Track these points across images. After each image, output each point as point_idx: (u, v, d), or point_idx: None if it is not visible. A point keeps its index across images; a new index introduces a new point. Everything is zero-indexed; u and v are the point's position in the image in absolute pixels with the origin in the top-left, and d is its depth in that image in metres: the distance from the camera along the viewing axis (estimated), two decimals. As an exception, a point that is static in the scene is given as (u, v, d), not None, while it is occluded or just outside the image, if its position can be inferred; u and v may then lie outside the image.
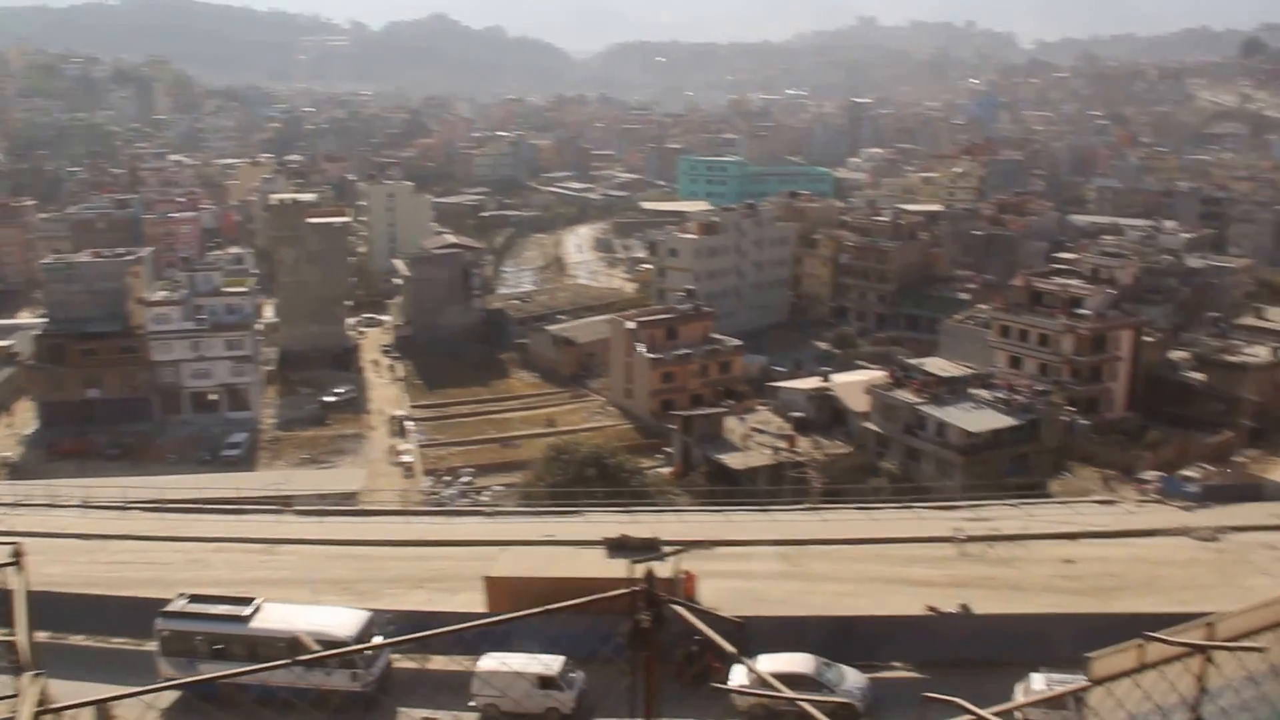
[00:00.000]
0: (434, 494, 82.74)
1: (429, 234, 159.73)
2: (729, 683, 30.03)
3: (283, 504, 59.29)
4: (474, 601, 39.24)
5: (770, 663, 32.99)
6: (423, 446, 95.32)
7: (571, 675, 34.23)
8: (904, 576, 43.82)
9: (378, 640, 33.02)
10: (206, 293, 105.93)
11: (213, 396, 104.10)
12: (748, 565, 45.43)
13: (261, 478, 77.11)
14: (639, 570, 8.23)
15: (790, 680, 32.56)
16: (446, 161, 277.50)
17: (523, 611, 7.19)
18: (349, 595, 41.25)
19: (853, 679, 34.42)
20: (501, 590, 38.68)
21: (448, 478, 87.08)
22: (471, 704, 34.10)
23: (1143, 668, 6.70)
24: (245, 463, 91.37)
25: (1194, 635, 6.67)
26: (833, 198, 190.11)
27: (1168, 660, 6.71)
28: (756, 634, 33.33)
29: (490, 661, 33.82)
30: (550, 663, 33.81)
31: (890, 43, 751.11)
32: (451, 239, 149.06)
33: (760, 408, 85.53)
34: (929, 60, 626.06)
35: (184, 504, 59.69)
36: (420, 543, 50.20)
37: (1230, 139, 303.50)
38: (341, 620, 35.06)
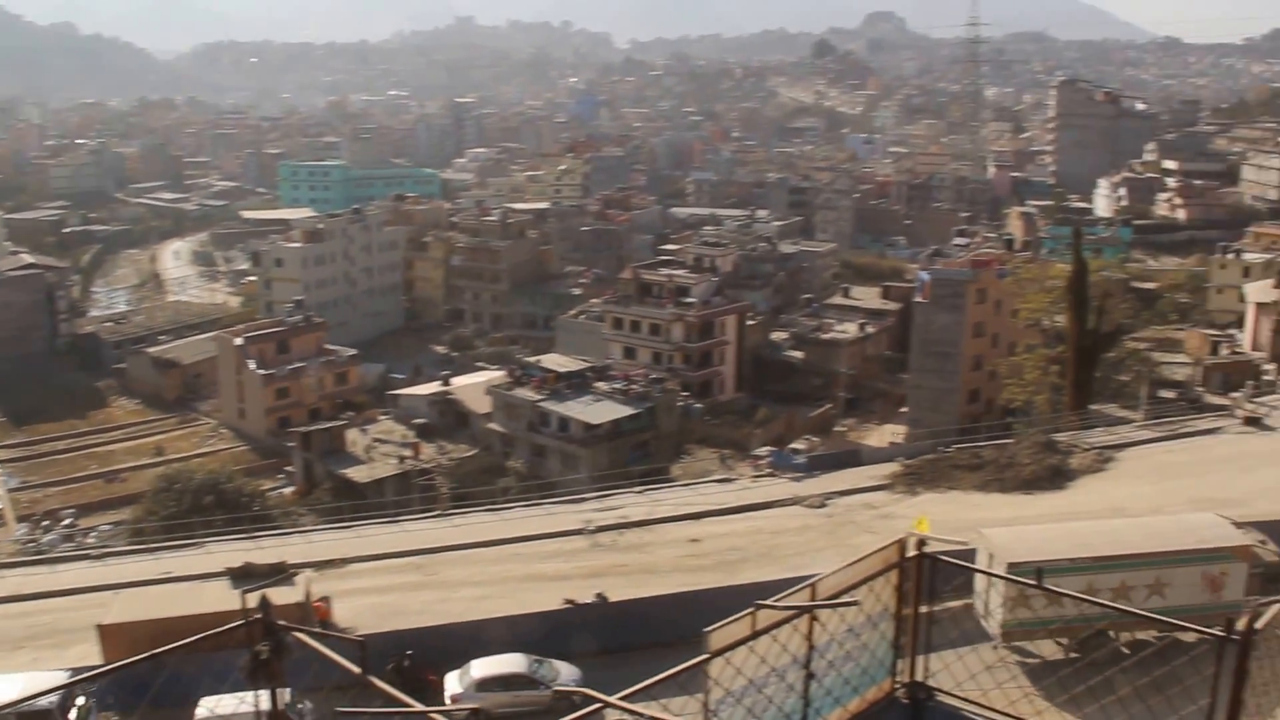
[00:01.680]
0: (30, 542, 75.68)
1: (2, 254, 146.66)
2: (445, 690, 31.07)
3: None
4: (90, 654, 36.25)
5: (484, 666, 32.84)
6: (12, 491, 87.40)
7: (300, 706, 31.88)
8: (540, 573, 44.10)
9: (81, 702, 30.80)
10: None
11: None
12: (383, 580, 44.41)
13: None
14: (255, 599, 7.77)
15: (505, 680, 32.80)
16: (16, 173, 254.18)
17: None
18: (-71, 667, 37.06)
19: (567, 673, 34.30)
20: (118, 638, 35.96)
21: (46, 522, 79.88)
22: None
23: (757, 634, 6.83)
24: None
25: (799, 598, 6.87)
26: (441, 199, 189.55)
27: (779, 624, 6.87)
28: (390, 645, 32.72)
29: (208, 706, 31.06)
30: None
31: (490, 42, 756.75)
32: (29, 259, 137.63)
33: (382, 417, 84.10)
34: (529, 60, 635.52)
35: None
36: (18, 598, 45.74)
37: (810, 133, 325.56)
38: (38, 686, 31.14)
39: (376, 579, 44.47)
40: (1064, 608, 30.41)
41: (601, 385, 79.96)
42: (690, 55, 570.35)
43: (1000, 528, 36.35)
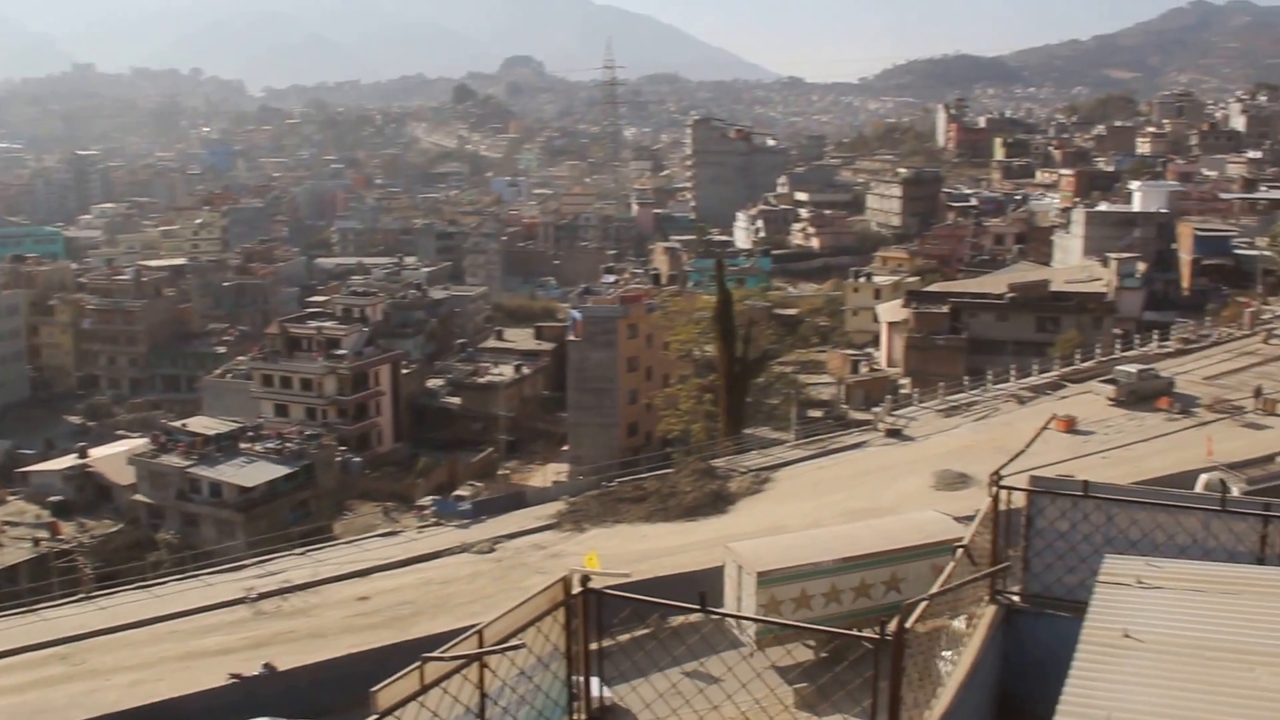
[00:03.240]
0: None
1: None
2: None
3: None
4: None
5: None
6: None
7: None
8: (200, 650, 41.92)
9: None
10: None
11: None
12: (22, 676, 40.96)
13: None
14: None
15: None
16: None
17: None
18: None
19: None
20: None
21: None
22: None
23: (425, 689, 6.60)
24: None
25: (467, 645, 6.71)
26: (66, 259, 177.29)
27: (448, 675, 6.69)
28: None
29: None
30: None
31: (112, 90, 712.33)
32: None
33: (11, 498, 77.62)
34: (156, 109, 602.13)
35: None
36: None
37: (454, 177, 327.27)
38: None
39: (14, 676, 41.01)
40: (811, 611, 32.11)
41: (254, 446, 76.95)
42: (328, 102, 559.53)
43: (746, 540, 38.44)
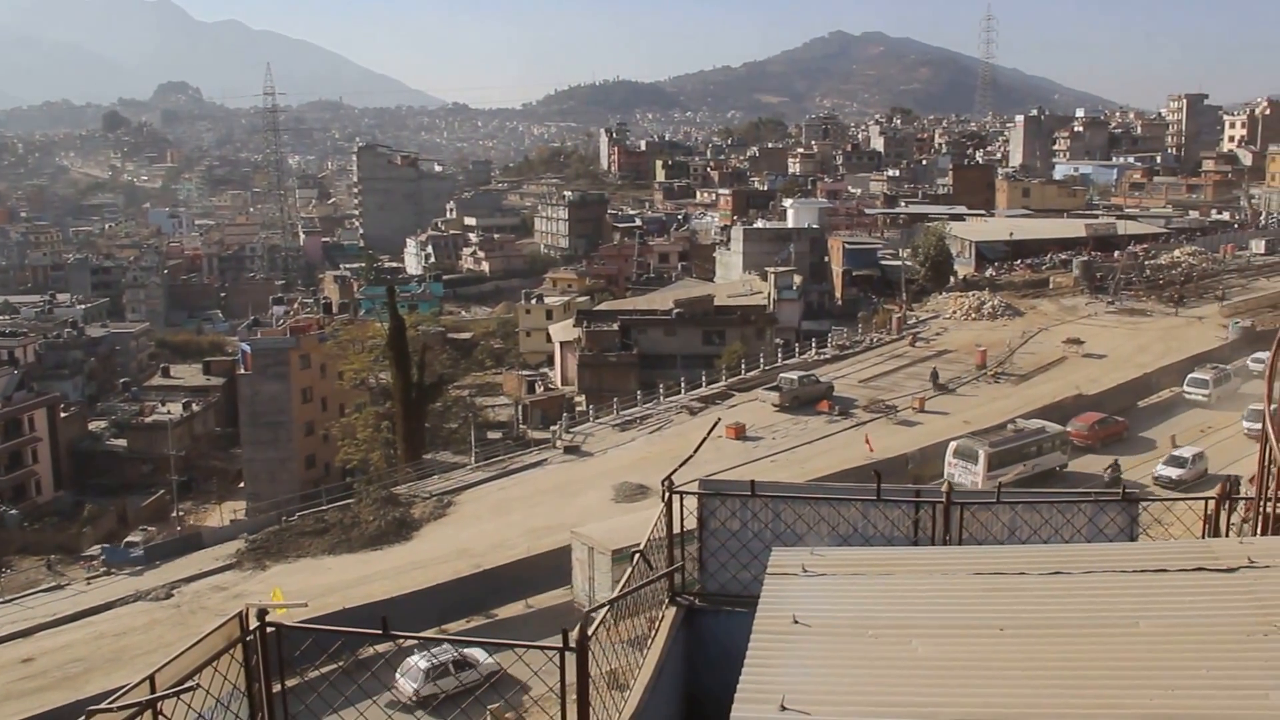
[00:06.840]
0: None
1: None
2: None
3: None
4: None
5: None
6: None
7: None
8: None
9: None
10: None
11: None
12: None
13: None
14: None
15: None
16: None
17: None
18: None
19: None
20: None
21: None
22: None
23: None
24: None
25: (137, 693, 6.52)
26: None
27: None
28: None
29: None
30: None
31: None
32: None
33: None
34: None
35: None
36: None
37: (108, 209, 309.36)
38: None
39: None
40: None
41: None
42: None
43: (590, 525, 40.53)
